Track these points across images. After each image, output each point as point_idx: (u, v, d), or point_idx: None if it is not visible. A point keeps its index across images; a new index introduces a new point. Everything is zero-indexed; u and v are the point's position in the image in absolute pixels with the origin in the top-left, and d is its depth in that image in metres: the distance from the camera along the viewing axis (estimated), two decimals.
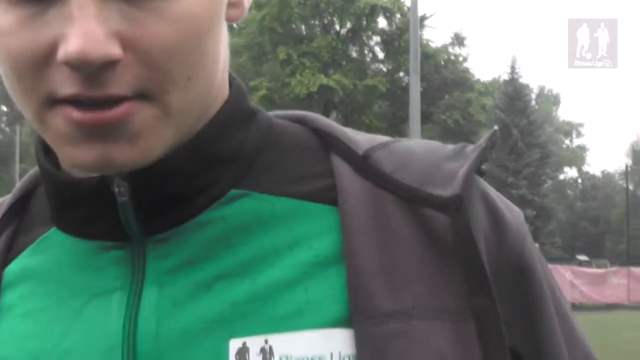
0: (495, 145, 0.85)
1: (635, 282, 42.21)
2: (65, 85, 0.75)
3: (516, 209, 0.89)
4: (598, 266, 53.41)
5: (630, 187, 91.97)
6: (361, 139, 0.89)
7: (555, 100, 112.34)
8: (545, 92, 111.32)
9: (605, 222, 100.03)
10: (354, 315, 0.75)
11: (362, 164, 0.84)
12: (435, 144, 0.90)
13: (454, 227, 0.79)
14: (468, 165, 0.83)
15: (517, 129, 50.31)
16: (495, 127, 1.02)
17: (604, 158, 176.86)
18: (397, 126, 50.62)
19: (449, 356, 0.75)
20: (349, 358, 0.74)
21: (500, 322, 0.78)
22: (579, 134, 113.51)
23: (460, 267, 0.78)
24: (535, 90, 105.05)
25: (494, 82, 56.13)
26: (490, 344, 0.77)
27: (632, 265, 49.37)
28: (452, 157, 0.85)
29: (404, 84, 50.90)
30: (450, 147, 0.89)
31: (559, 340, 0.84)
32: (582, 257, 66.19)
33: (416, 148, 0.87)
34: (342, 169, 0.84)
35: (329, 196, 0.83)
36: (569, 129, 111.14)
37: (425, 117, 47.29)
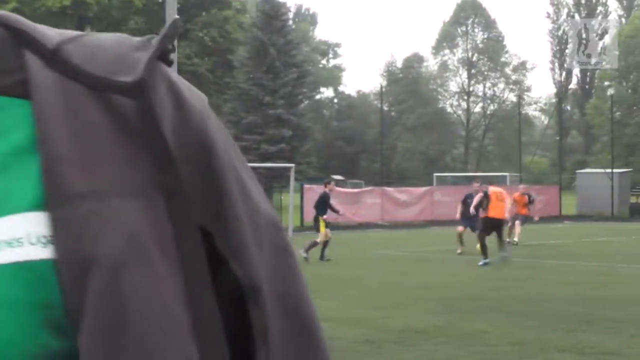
0: (177, 33, 0.93)
1: (389, 202, 43.04)
2: None
3: (199, 92, 0.95)
4: (353, 186, 54.30)
5: (385, 107, 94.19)
6: (52, 34, 0.90)
7: (312, 20, 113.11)
8: (303, 11, 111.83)
9: (361, 142, 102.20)
10: (49, 198, 0.80)
11: (53, 57, 0.87)
12: (123, 36, 0.93)
13: (139, 110, 0.85)
14: (150, 52, 0.87)
15: (274, 47, 49.97)
16: (177, 17, 1.01)
17: (359, 78, 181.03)
18: None
19: (141, 231, 0.81)
20: (45, 238, 0.79)
21: (186, 198, 0.85)
22: (335, 54, 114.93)
23: (148, 148, 0.84)
24: (293, 9, 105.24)
25: (251, 0, 55.49)
26: (179, 220, 0.84)
27: (385, 185, 50.44)
28: (139, 48, 0.89)
29: (160, 0, 49.43)
30: (137, 38, 0.93)
31: (241, 215, 0.89)
32: (337, 177, 67.34)
33: (105, 40, 0.91)
34: (33, 63, 0.86)
35: (22, 90, 0.85)
36: (326, 49, 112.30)
37: (182, 34, 46.11)
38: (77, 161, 0.81)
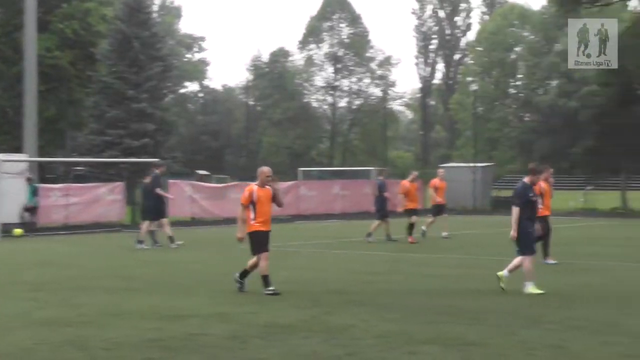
0: None
1: None
2: None
3: None
4: (218, 181, 53.94)
5: (251, 101, 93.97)
6: None
7: (177, 13, 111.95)
8: (167, 3, 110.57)
9: (226, 137, 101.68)
10: None
11: None
12: None
13: None
14: None
15: (138, 40, 49.27)
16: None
17: (225, 72, 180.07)
18: (12, 34, 47.92)
19: None
20: None
21: None
22: (200, 48, 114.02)
23: None
24: (157, 2, 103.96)
25: None
26: None
27: (250, 179, 50.17)
28: None
29: None
30: None
31: None
32: (203, 172, 66.83)
33: None
34: None
35: None
36: (191, 42, 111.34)
37: (42, 26, 44.92)
38: None
